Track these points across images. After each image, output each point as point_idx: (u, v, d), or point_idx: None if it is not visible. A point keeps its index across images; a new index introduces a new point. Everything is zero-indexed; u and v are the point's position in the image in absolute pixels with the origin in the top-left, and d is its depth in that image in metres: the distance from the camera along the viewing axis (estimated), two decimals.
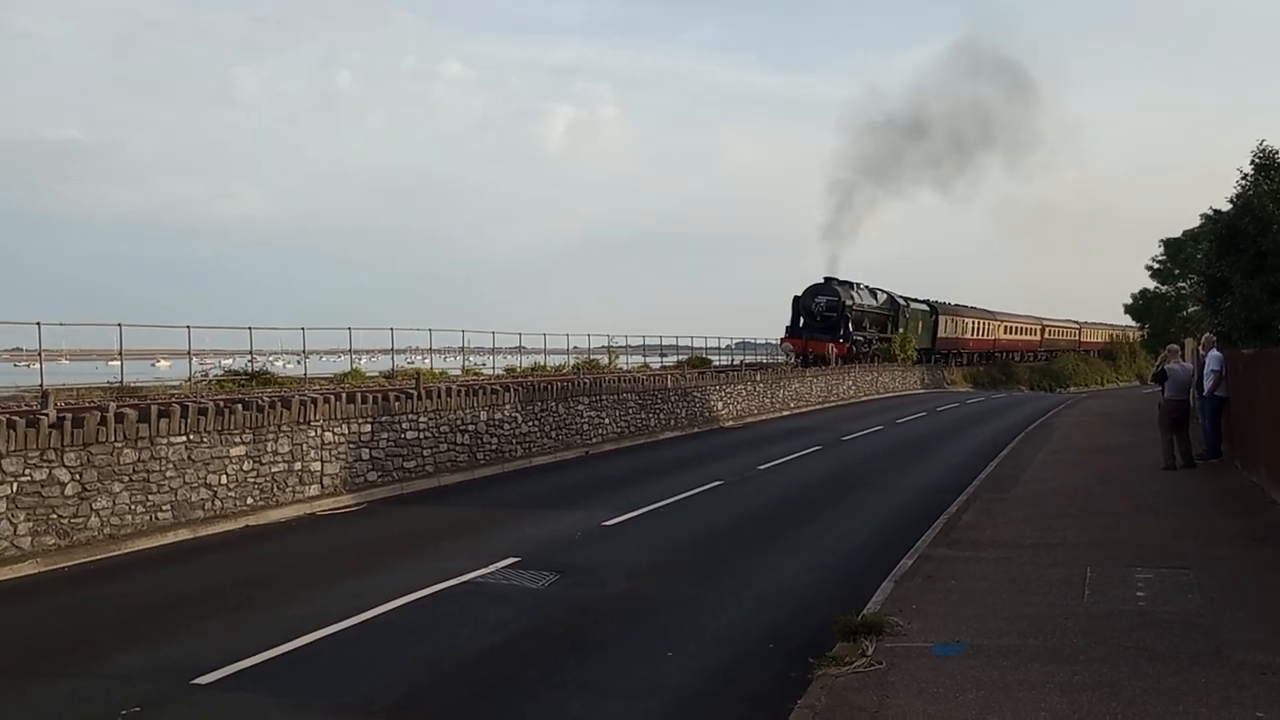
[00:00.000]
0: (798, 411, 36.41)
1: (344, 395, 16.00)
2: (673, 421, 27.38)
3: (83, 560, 11.19)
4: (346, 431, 15.69)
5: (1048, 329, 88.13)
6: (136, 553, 11.76)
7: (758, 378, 34.84)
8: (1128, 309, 53.99)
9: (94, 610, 9.72)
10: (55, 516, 11.27)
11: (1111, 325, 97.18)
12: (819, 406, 39.08)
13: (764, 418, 33.22)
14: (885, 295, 56.05)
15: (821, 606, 10.07)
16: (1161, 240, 47.61)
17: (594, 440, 23.11)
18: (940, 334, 65.32)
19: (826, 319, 48.41)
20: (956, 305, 70.98)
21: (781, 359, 49.26)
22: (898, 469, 21.35)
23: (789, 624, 9.87)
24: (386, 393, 17.49)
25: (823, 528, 14.81)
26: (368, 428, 16.13)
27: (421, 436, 17.36)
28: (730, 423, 30.67)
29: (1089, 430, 28.06)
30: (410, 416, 17.09)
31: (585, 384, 23.43)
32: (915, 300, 62.33)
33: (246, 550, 12.38)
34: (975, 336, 73.29)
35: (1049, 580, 10.04)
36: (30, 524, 10.99)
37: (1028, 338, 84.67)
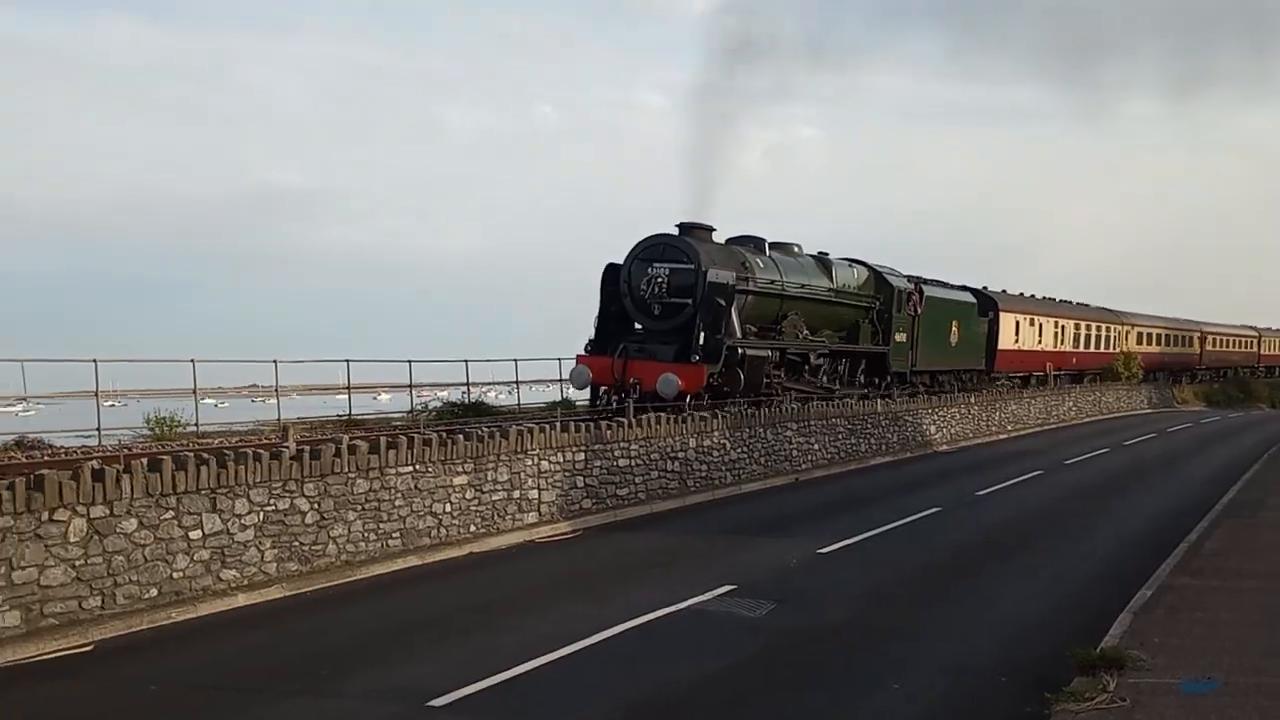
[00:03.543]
0: (1014, 435, 34.97)
1: (558, 424, 16.36)
2: (884, 447, 26.78)
3: (322, 585, 11.79)
4: (561, 460, 16.02)
5: (1209, 337, 65.87)
6: (370, 578, 12.30)
7: (971, 400, 33.67)
8: None
9: (334, 633, 10.21)
10: (297, 544, 11.93)
11: None
12: (1037, 429, 37.41)
13: (979, 442, 32.06)
14: (864, 271, 29.24)
15: (1053, 638, 9.58)
16: None
17: (803, 466, 22.85)
18: (1004, 342, 39.59)
19: (669, 311, 22.05)
20: (1031, 297, 45.36)
21: (575, 393, 24.73)
22: (1128, 494, 20.20)
23: (1019, 655, 9.44)
24: (598, 420, 17.78)
25: (1049, 555, 14.13)
26: (581, 456, 16.44)
27: (633, 464, 17.56)
28: (944, 447, 29.75)
29: None
30: (621, 444, 17.32)
31: (793, 410, 23.22)
32: (936, 283, 34.49)
33: (470, 576, 12.78)
34: (1080, 348, 48.71)
35: None
36: (275, 550, 11.67)
37: (1178, 350, 61.27)
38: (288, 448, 12.10)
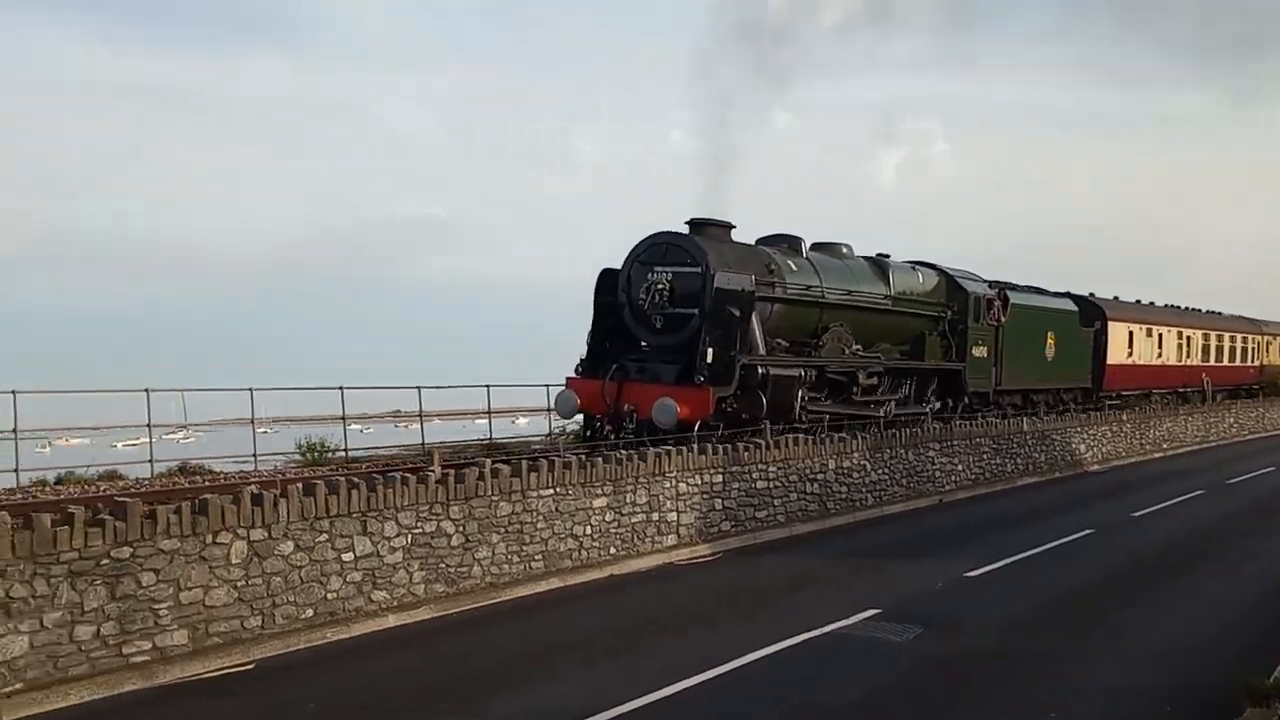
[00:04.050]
0: (1171, 453, 33.48)
1: (694, 446, 16.35)
2: (1031, 466, 25.95)
3: (468, 606, 12.00)
4: (699, 482, 16.00)
5: None
6: (514, 600, 12.47)
7: (1124, 417, 32.37)
8: None
9: (481, 654, 10.37)
10: (444, 565, 12.18)
11: None
12: (1196, 447, 35.74)
13: (1132, 460, 30.79)
14: (932, 275, 25.13)
15: (1219, 665, 9.14)
16: None
17: (947, 487, 22.30)
18: (1114, 355, 34.22)
19: (672, 323, 18.77)
20: (1150, 305, 39.98)
21: (561, 423, 21.91)
22: None
23: (1184, 684, 9.01)
24: (735, 442, 17.71)
25: (1212, 578, 13.47)
26: (719, 478, 16.38)
27: (771, 486, 17.41)
28: (1095, 466, 28.66)
29: None
30: (759, 466, 17.20)
31: (934, 429, 22.70)
32: (1027, 289, 30.58)
33: (611, 598, 12.84)
34: (1211, 361, 42.56)
35: None
36: (423, 572, 11.94)
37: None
38: (433, 471, 12.39)
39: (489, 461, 13.22)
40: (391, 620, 11.23)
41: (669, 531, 15.27)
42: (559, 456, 14.16)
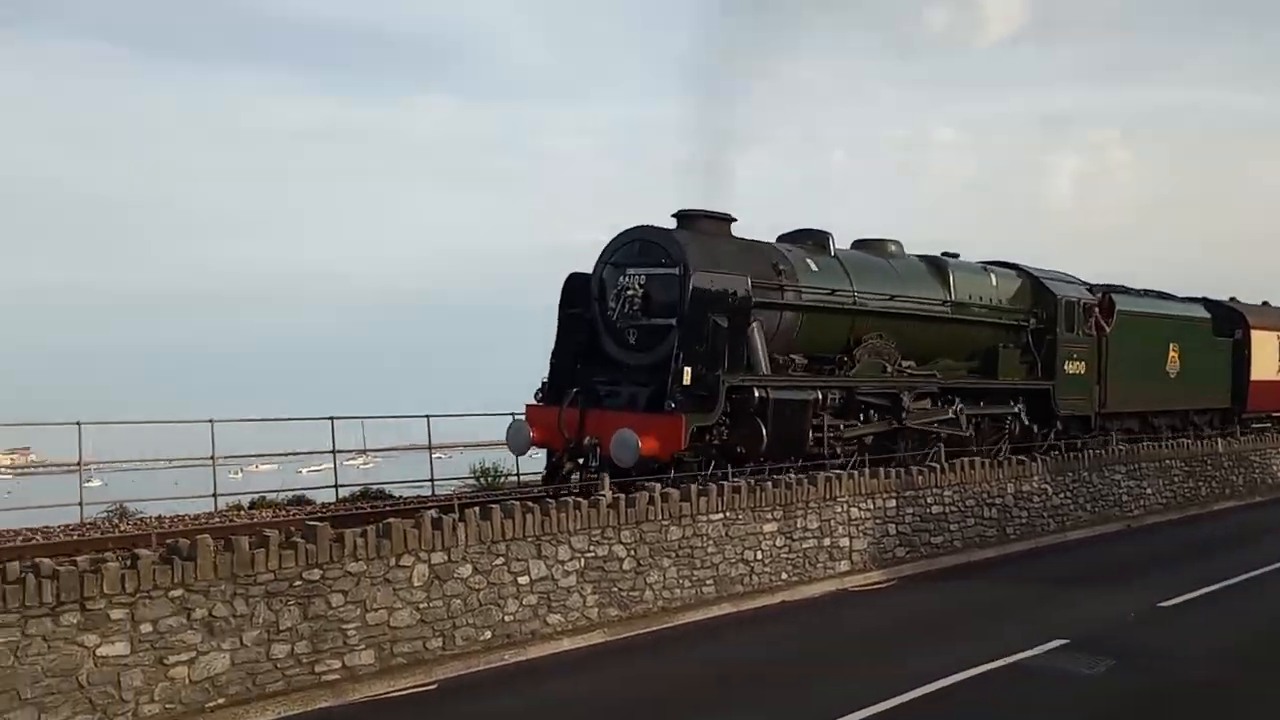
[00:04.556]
0: None
1: (866, 470, 16.03)
2: (1228, 490, 24.48)
3: (641, 631, 12.02)
4: (871, 507, 15.66)
5: None
6: (686, 624, 12.43)
7: None
8: None
9: (655, 679, 10.39)
10: (616, 589, 12.26)
11: None
12: None
13: None
14: (1010, 277, 21.50)
15: None
16: None
17: (1135, 512, 21.23)
18: (1258, 370, 28.94)
19: (647, 336, 15.48)
20: None
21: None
22: None
23: None
24: (909, 466, 17.29)
25: None
26: (892, 502, 16.01)
27: (947, 510, 16.92)
28: None
29: None
30: (934, 490, 16.74)
31: (1120, 451, 21.67)
32: (1143, 293, 26.18)
33: (785, 625, 12.65)
34: None
35: None
36: (596, 596, 12.05)
37: None
38: (604, 496, 12.50)
39: (658, 486, 13.26)
40: (566, 643, 11.34)
41: (841, 557, 14.99)
42: (728, 481, 14.08)
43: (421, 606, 10.33)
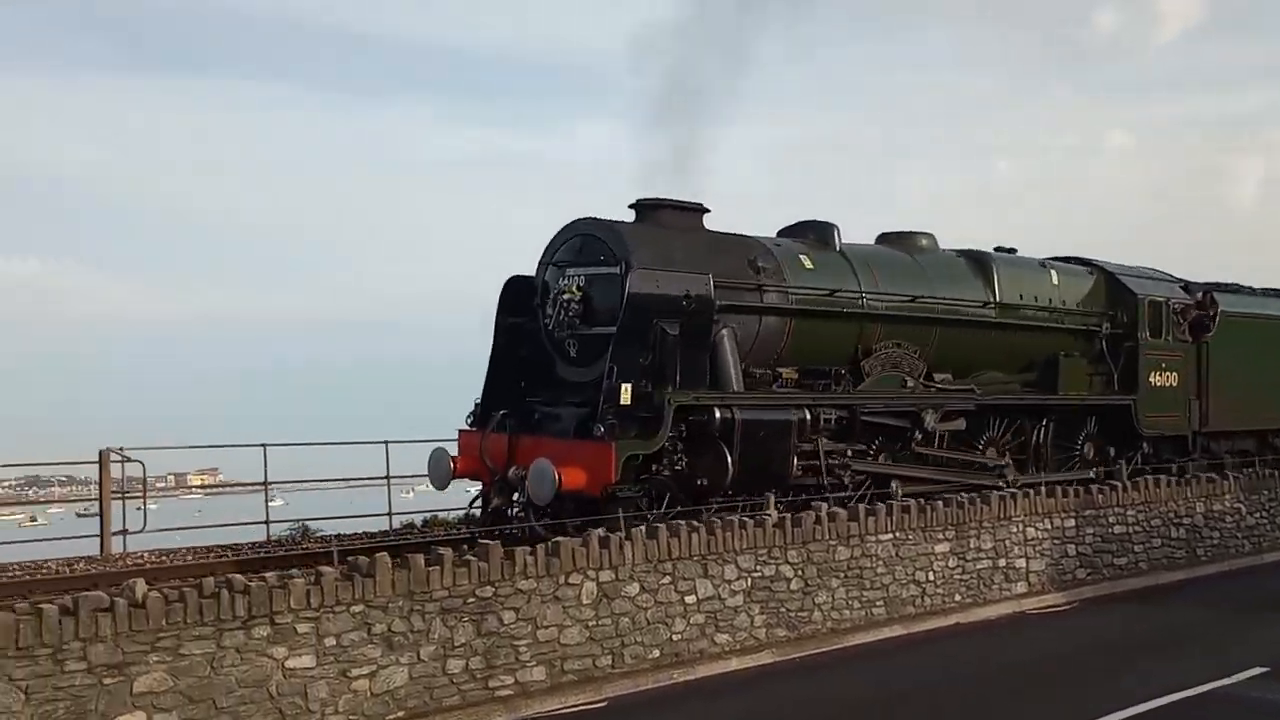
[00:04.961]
0: None
1: (1042, 489, 15.43)
2: None
3: (810, 652, 11.82)
4: (1049, 526, 15.08)
5: None
6: (856, 646, 12.18)
7: None
8: None
9: (825, 701, 10.24)
10: (784, 610, 12.11)
11: None
12: None
13: None
14: (1080, 274, 18.72)
15: None
16: None
17: None
18: None
19: (588, 349, 13.10)
20: None
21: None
22: None
23: None
24: (1088, 484, 16.57)
25: None
26: (1071, 522, 15.38)
27: (1130, 530, 16.15)
28: None
29: None
30: (1116, 509, 16.01)
31: None
32: (1254, 291, 22.17)
33: (959, 648, 12.28)
34: None
35: None
36: (764, 616, 11.92)
37: None
38: (770, 515, 12.39)
39: (825, 506, 13.07)
40: (734, 663, 11.26)
41: (1018, 579, 14.48)
42: (897, 501, 13.76)
43: (590, 624, 10.42)
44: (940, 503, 13.95)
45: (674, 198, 14.01)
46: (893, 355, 15.23)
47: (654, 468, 12.49)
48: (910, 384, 15.37)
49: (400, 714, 9.12)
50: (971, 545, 13.98)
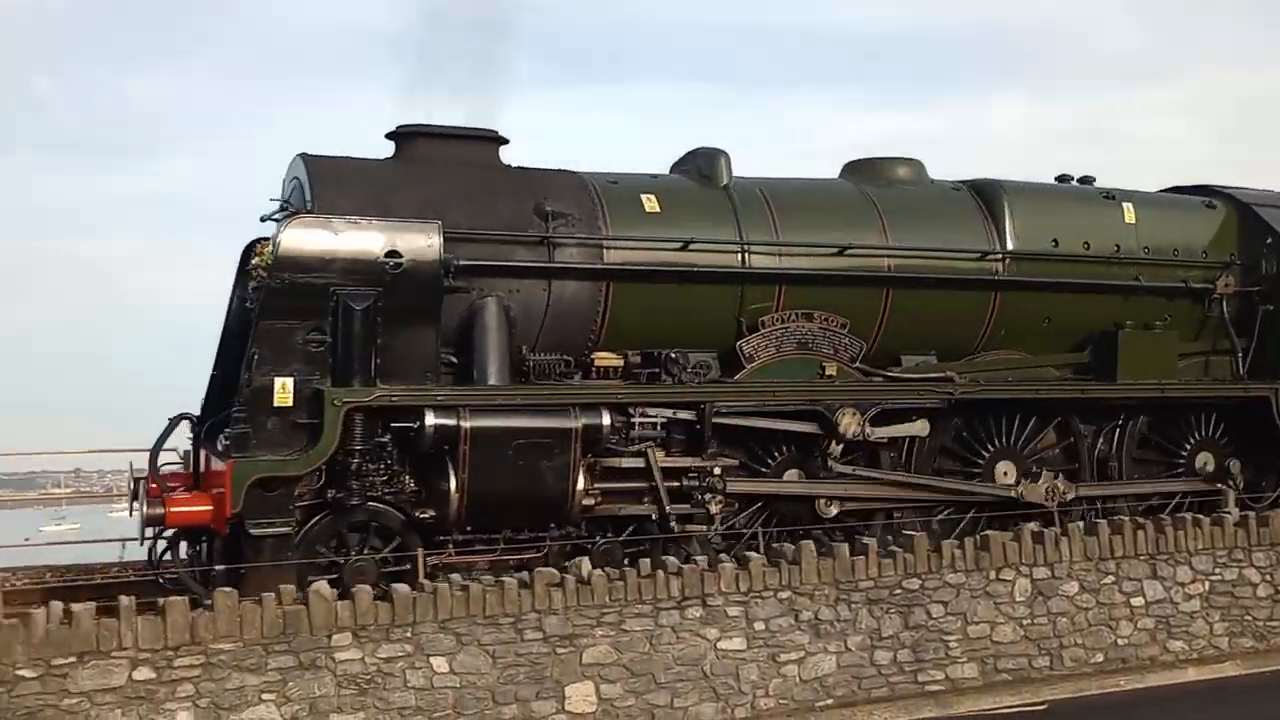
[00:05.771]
0: None
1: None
2: None
3: None
4: None
5: None
6: None
7: None
8: None
9: None
10: (1249, 618, 10.90)
11: None
12: None
13: None
14: (1199, 206, 12.78)
15: None
16: None
17: None
18: None
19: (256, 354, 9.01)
20: None
21: None
22: None
23: None
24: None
25: None
26: None
27: None
28: None
29: None
30: None
31: None
32: None
33: None
34: None
35: None
36: (1225, 624, 10.78)
37: None
38: (1230, 513, 11.23)
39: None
40: (1191, 673, 10.33)
41: None
42: None
43: (1024, 623, 9.93)
44: None
45: (455, 125, 10.39)
46: (798, 331, 10.85)
47: (331, 494, 9.06)
48: (830, 371, 11.00)
49: (829, 701, 9.16)
50: None
